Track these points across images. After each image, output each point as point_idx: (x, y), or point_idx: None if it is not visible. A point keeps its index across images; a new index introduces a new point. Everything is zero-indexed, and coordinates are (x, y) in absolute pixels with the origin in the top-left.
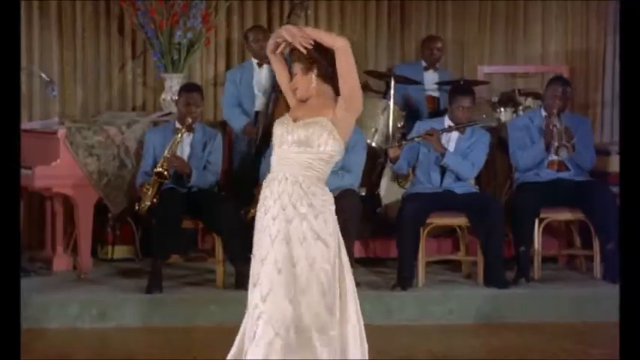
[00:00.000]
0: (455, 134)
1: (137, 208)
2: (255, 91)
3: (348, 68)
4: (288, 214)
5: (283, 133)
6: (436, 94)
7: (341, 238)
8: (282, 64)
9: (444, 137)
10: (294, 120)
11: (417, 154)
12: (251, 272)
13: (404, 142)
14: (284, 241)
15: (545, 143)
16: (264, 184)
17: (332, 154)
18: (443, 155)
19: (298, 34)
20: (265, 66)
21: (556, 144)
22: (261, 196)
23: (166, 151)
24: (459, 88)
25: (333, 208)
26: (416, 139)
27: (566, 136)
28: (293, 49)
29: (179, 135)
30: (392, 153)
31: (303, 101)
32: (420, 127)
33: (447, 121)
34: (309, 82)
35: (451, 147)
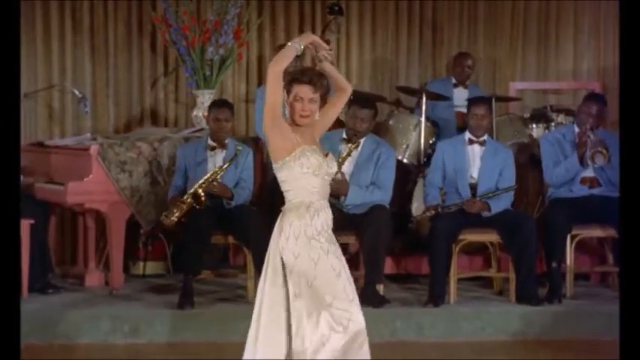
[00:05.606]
0: (477, 149)
1: (163, 217)
2: None
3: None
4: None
5: (322, 165)
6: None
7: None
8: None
9: (469, 151)
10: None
11: (442, 177)
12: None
13: (433, 212)
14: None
15: (579, 156)
16: (310, 212)
17: None
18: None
19: (324, 48)
20: None
21: (591, 151)
22: (313, 226)
23: (208, 175)
24: (472, 98)
25: None
26: (452, 207)
27: (601, 144)
28: (305, 71)
29: (223, 167)
30: (421, 219)
31: (297, 125)
32: (443, 147)
33: (467, 134)
34: (317, 109)
35: (477, 163)
